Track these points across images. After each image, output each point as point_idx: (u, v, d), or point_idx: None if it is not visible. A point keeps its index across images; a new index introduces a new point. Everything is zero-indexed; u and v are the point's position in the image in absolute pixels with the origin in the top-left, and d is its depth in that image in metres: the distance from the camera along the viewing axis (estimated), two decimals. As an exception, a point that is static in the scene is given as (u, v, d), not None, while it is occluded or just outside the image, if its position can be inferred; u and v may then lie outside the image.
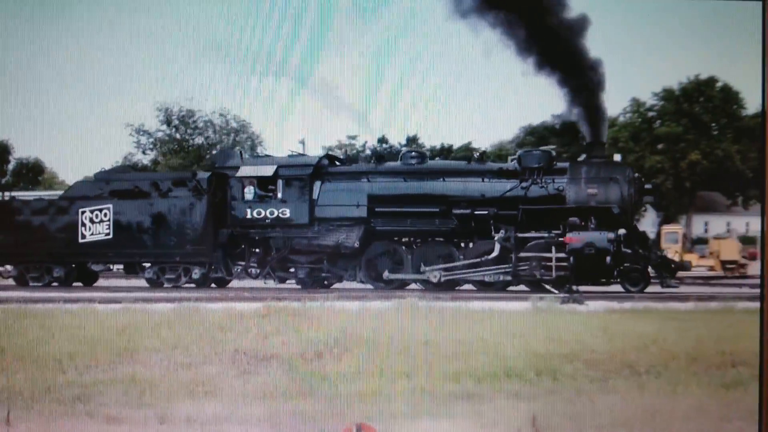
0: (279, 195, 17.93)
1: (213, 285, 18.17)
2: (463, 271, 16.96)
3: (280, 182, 17.95)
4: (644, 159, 25.11)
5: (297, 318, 11.48)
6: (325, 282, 18.07)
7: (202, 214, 17.82)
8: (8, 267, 19.26)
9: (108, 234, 17.86)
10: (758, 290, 9.29)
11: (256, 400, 9.30)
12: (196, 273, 17.68)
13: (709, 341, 9.84)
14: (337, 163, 18.99)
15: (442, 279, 16.86)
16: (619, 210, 16.39)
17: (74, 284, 18.57)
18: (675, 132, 25.08)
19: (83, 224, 17.97)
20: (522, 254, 16.55)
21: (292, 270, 18.19)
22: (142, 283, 18.88)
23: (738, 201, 26.18)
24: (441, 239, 17.67)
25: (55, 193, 20.39)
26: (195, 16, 13.36)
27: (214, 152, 25.08)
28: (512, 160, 18.09)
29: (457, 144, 20.22)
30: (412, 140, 21.16)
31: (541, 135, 24.38)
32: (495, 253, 16.74)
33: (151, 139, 24.45)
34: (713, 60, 19.63)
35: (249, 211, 17.88)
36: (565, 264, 15.99)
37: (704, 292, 15.57)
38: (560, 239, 16.36)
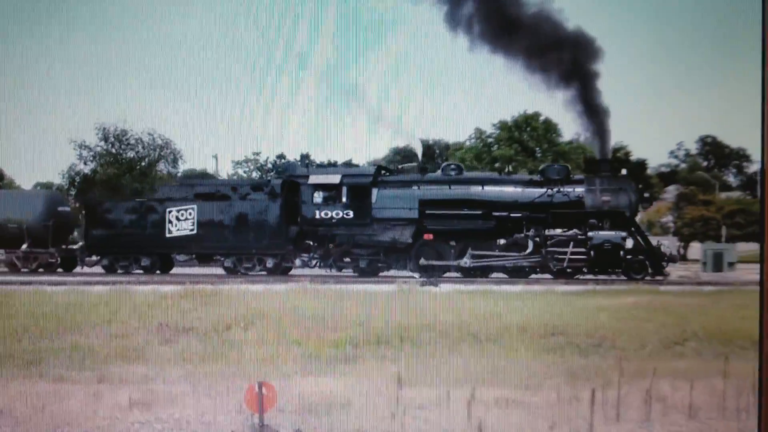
0: (343, 199, 20.71)
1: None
2: (501, 260, 20.12)
3: (344, 189, 20.78)
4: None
5: (210, 298, 12.94)
6: (379, 271, 20.83)
7: (276, 214, 20.53)
8: (94, 257, 21.25)
9: (192, 230, 20.18)
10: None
11: (177, 363, 10.41)
12: (270, 263, 20.42)
13: (534, 316, 11.52)
14: (385, 173, 21.78)
15: (474, 264, 20.13)
16: (628, 214, 19.86)
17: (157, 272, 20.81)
18: (508, 154, 28.58)
19: (170, 222, 19.96)
20: (550, 248, 19.79)
21: (347, 260, 20.97)
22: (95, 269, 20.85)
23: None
24: (480, 236, 20.40)
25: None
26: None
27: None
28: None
29: (340, 160, 22.61)
30: (305, 156, 23.44)
31: (406, 154, 27.40)
32: (530, 249, 19.90)
33: (91, 153, 26.32)
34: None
35: (317, 212, 20.81)
36: (584, 256, 19.49)
37: (531, 279, 19.28)
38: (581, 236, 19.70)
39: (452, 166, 21.70)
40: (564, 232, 20.12)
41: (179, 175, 29.00)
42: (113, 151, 27.67)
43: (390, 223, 20.77)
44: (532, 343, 11.06)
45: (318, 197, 21.10)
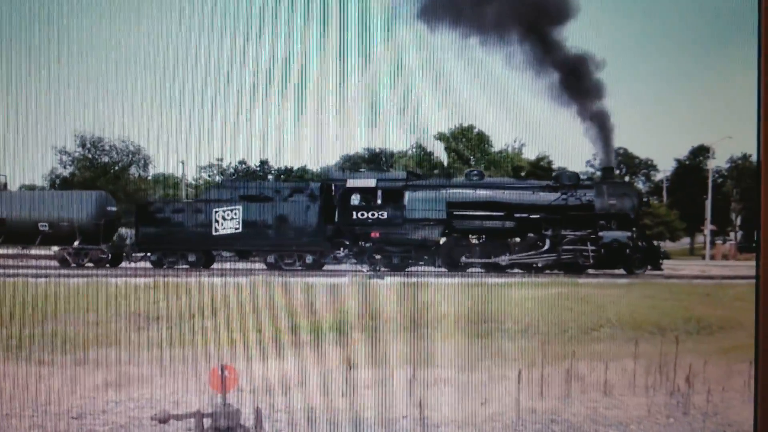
0: (378, 201, 21.91)
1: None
2: (520, 258, 21.56)
3: (379, 192, 21.99)
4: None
5: (178, 289, 13.65)
6: (408, 267, 21.87)
7: (315, 214, 21.59)
8: (140, 253, 21.95)
9: (238, 228, 21.08)
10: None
11: (148, 348, 11.02)
12: (309, 259, 21.43)
13: (468, 305, 12.48)
14: (413, 177, 22.86)
15: (508, 262, 21.48)
16: (632, 216, 21.67)
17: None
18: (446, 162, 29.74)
19: (217, 221, 20.79)
20: (564, 246, 21.30)
21: (377, 257, 21.87)
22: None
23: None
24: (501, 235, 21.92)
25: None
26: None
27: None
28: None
29: (296, 166, 23.87)
30: (264, 162, 24.62)
31: (355, 161, 28.70)
32: (546, 246, 21.37)
33: (70, 158, 27.26)
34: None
35: (354, 213, 21.94)
36: (594, 254, 21.13)
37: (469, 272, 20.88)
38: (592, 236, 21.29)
39: (474, 172, 23.10)
40: (576, 231, 21.70)
41: (149, 178, 30.15)
42: (89, 156, 28.63)
43: (420, 223, 22.07)
44: (465, 329, 12.02)
45: (355, 199, 22.27)
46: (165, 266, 21.29)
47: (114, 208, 23.57)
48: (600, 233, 21.48)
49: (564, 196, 22.05)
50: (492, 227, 22.02)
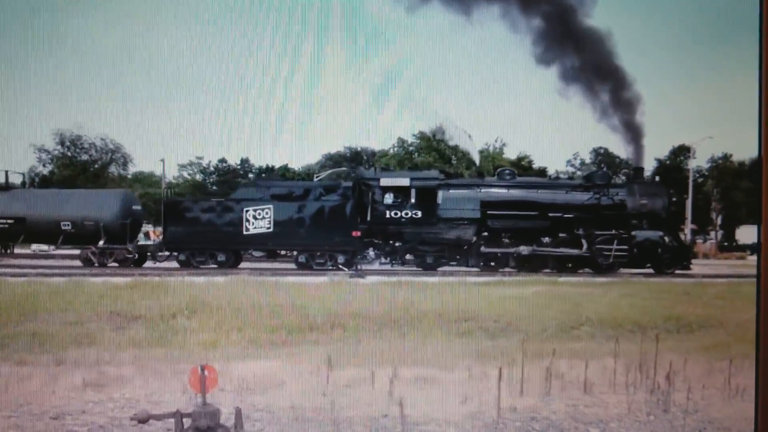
0: (412, 200, 22.01)
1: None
2: (553, 251, 21.98)
3: (413, 191, 22.08)
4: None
5: (158, 289, 13.67)
6: (440, 266, 22.00)
7: (347, 213, 21.68)
8: (166, 253, 22.05)
9: (269, 228, 21.11)
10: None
11: (127, 348, 11.01)
12: (341, 259, 21.48)
13: (449, 303, 12.55)
14: (443, 176, 22.97)
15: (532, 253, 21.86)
16: (664, 215, 22.16)
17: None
18: (427, 161, 29.94)
19: (247, 220, 20.73)
20: (597, 246, 21.71)
21: (409, 257, 22.14)
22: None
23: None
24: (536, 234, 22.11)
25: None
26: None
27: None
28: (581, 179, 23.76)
29: (278, 165, 24.00)
30: (245, 161, 24.68)
31: (337, 160, 28.81)
32: (585, 247, 21.83)
33: (49, 156, 27.17)
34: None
35: (388, 212, 22.10)
36: (626, 253, 21.54)
37: (449, 270, 21.32)
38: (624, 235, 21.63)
39: (507, 171, 23.42)
40: (608, 231, 22.06)
41: (129, 177, 30.20)
42: (69, 154, 28.59)
43: (454, 222, 22.29)
44: (446, 328, 12.08)
45: (388, 198, 22.42)
46: (193, 266, 21.30)
47: (139, 207, 23.63)
48: (633, 232, 21.86)
49: (596, 196, 22.40)
50: (526, 227, 22.23)
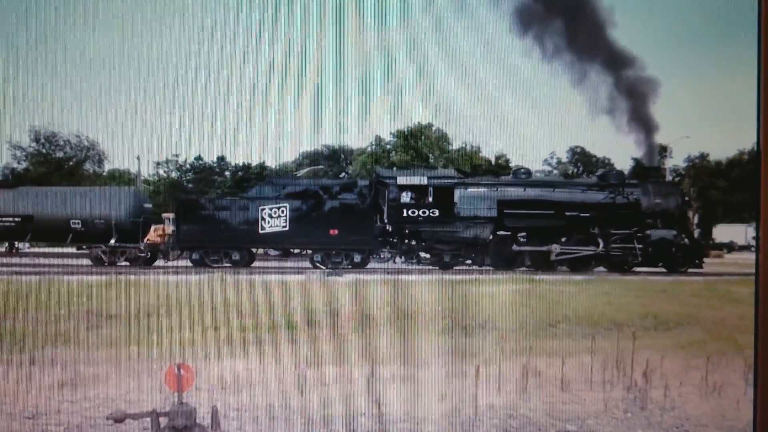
0: (430, 199, 22.00)
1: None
2: (570, 249, 22.21)
3: (430, 189, 22.06)
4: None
5: (132, 287, 13.62)
6: (456, 265, 22.19)
7: (364, 212, 21.74)
8: (177, 251, 21.86)
9: (285, 227, 20.92)
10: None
11: (102, 347, 10.86)
12: (357, 258, 21.55)
13: (426, 302, 12.63)
14: (460, 176, 23.09)
15: (557, 255, 22.19)
16: (678, 215, 22.56)
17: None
18: (404, 159, 30.06)
19: (263, 218, 20.49)
20: (612, 245, 22.05)
21: (424, 255, 22.30)
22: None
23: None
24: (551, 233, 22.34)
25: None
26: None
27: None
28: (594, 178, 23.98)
29: (254, 163, 24.04)
30: (221, 158, 24.64)
31: (314, 158, 28.89)
32: (602, 246, 22.10)
33: (24, 153, 26.94)
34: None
35: (405, 210, 22.04)
36: (641, 252, 21.93)
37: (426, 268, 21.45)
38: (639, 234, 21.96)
39: (522, 170, 23.59)
40: (623, 230, 22.41)
41: (104, 174, 30.08)
42: (44, 151, 28.37)
43: (472, 221, 22.37)
44: (423, 326, 12.07)
45: (406, 197, 22.36)
46: (207, 265, 21.19)
47: (150, 206, 23.42)
48: (647, 231, 22.15)
49: (611, 195, 22.63)
50: (542, 226, 22.42)
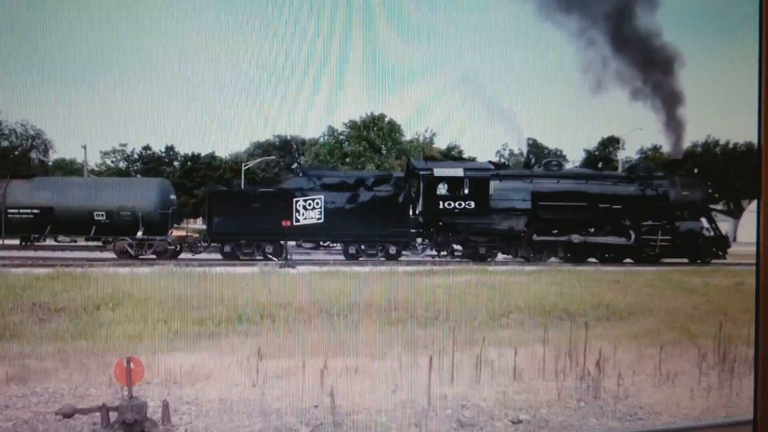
0: (465, 191, 22.08)
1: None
2: (601, 240, 22.66)
3: (466, 181, 22.14)
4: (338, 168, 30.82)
5: (80, 280, 13.43)
6: (493, 256, 22.41)
7: (400, 204, 21.71)
8: (204, 244, 21.67)
9: (320, 219, 20.81)
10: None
11: (50, 341, 10.65)
12: (393, 249, 21.58)
13: (379, 293, 12.67)
14: (491, 167, 23.19)
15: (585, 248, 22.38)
16: (704, 206, 23.12)
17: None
18: (357, 150, 30.24)
19: (297, 210, 20.04)
20: (643, 236, 22.56)
21: (457, 247, 22.44)
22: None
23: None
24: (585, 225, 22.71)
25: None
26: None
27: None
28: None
29: (204, 153, 23.96)
30: (170, 148, 24.40)
31: (265, 148, 28.89)
32: (634, 238, 22.66)
33: None
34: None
35: (441, 202, 22.18)
36: (669, 243, 22.48)
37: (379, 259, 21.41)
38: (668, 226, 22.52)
39: (554, 162, 24.10)
40: (652, 221, 22.93)
41: (50, 164, 29.62)
42: (-14, 141, 27.82)
43: (507, 213, 22.48)
44: (376, 317, 12.09)
45: (442, 189, 22.41)
46: (239, 258, 20.93)
47: (175, 197, 22.97)
48: (676, 223, 22.64)
49: (641, 187, 23.00)
50: (576, 217, 22.69)
